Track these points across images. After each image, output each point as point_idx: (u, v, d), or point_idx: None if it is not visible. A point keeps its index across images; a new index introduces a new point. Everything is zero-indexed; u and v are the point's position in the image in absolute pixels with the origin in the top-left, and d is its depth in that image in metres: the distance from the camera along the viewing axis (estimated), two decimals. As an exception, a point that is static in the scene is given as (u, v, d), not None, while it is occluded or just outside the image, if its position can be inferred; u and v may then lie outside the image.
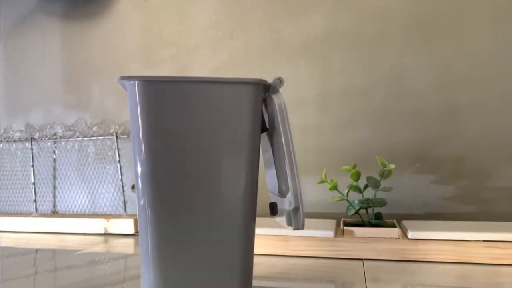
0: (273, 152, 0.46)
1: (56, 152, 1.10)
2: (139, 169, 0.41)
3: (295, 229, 0.43)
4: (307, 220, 0.44)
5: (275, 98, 0.43)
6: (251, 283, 0.44)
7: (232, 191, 0.42)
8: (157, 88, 0.40)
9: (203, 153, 0.41)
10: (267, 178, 0.51)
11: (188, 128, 0.41)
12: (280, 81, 0.44)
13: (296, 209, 0.42)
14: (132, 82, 0.40)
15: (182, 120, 0.40)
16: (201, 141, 0.41)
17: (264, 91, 0.44)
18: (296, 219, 0.43)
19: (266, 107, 0.46)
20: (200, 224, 0.41)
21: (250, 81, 0.42)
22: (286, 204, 0.43)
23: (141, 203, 0.41)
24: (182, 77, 0.41)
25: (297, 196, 0.42)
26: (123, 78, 0.40)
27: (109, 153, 1.04)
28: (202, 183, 0.41)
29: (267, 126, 0.46)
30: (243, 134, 0.42)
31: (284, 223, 0.44)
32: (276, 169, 0.46)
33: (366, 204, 0.69)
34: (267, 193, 0.51)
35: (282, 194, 0.45)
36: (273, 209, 0.47)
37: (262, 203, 0.50)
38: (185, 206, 0.41)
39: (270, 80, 0.45)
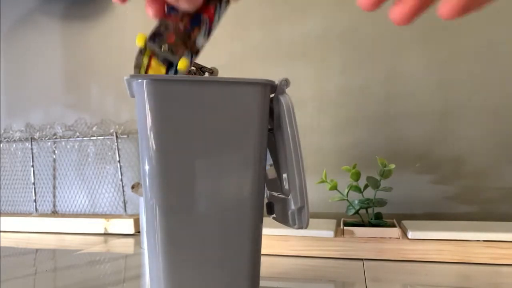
0: (276, 151, 0.46)
1: (56, 152, 1.10)
2: (147, 168, 0.41)
3: (298, 228, 0.43)
4: (307, 220, 0.44)
5: (283, 99, 0.44)
6: (258, 282, 0.45)
7: (241, 191, 0.42)
8: (166, 88, 0.40)
9: (211, 152, 0.41)
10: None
11: (196, 127, 0.41)
12: (286, 82, 0.45)
13: (301, 208, 0.43)
14: (140, 81, 0.40)
15: (190, 119, 0.40)
16: (209, 140, 0.41)
17: (271, 91, 0.45)
18: (300, 218, 0.43)
19: (271, 107, 0.46)
20: (208, 223, 0.41)
21: (260, 81, 0.42)
22: (290, 203, 0.44)
23: (150, 203, 0.41)
24: (191, 76, 0.41)
25: (303, 195, 0.43)
26: (133, 76, 0.40)
27: (109, 153, 1.04)
28: (210, 182, 0.41)
29: (270, 126, 0.46)
30: (252, 134, 0.42)
31: (285, 223, 0.45)
32: (279, 168, 0.46)
33: (366, 204, 0.69)
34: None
35: (285, 193, 0.45)
36: (271, 209, 0.48)
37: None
38: (193, 205, 0.41)
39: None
